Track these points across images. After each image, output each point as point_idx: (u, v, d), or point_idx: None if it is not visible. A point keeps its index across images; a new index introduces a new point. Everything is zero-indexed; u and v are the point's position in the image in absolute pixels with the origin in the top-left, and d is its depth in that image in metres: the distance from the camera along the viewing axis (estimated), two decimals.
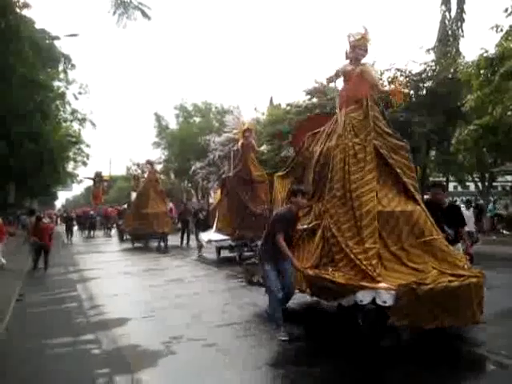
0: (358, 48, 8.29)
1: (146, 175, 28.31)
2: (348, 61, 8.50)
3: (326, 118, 9.41)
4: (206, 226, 19.60)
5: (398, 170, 7.99)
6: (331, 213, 7.71)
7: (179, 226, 25.90)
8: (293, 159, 9.82)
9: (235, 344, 7.21)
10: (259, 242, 16.38)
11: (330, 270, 7.23)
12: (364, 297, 6.64)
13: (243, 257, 16.18)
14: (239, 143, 18.46)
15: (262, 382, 5.89)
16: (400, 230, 7.43)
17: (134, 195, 28.91)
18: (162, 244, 23.45)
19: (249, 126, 19.11)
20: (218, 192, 20.98)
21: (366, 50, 8.38)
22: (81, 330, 8.42)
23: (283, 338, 7.09)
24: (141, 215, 24.90)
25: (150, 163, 28.07)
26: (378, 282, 6.69)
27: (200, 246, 19.29)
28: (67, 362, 6.81)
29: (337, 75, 8.70)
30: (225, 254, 17.82)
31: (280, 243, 7.16)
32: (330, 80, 9.06)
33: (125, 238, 28.53)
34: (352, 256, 7.10)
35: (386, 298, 6.47)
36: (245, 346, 7.11)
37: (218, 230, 17.86)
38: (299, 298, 8.89)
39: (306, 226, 8.14)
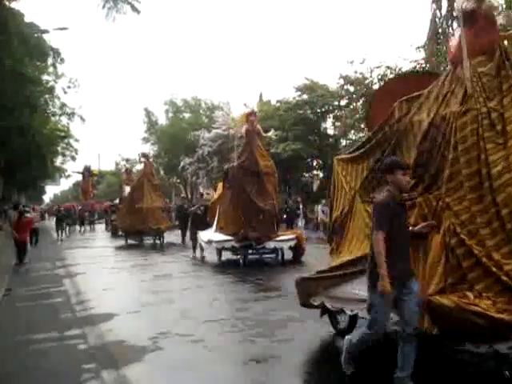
0: None
1: (140, 168, 27.10)
2: None
3: (426, 78, 7.25)
4: (204, 224, 17.63)
5: None
6: (456, 210, 5.43)
7: (176, 222, 24.61)
8: (373, 135, 6.91)
9: (222, 340, 7.22)
10: (269, 244, 14.99)
11: (472, 296, 4.98)
12: None
13: (247, 260, 15.10)
14: (243, 129, 16.28)
15: (248, 377, 5.87)
16: None
17: (127, 189, 27.99)
18: (158, 242, 23.01)
19: (253, 109, 16.99)
20: (220, 185, 18.65)
21: None
22: (67, 325, 8.37)
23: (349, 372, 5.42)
24: (135, 210, 23.59)
25: (145, 155, 26.90)
26: None
27: (195, 246, 17.38)
28: (53, 356, 6.76)
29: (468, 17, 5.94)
30: (227, 255, 15.94)
31: (377, 244, 4.89)
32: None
33: (120, 233, 26.95)
34: (502, 275, 5.00)
35: None
36: (232, 341, 7.13)
37: (220, 229, 15.77)
38: None
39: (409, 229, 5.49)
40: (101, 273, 14.79)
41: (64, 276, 14.13)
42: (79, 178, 49.61)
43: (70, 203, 48.38)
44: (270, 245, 15.03)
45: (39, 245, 22.14)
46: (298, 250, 15.37)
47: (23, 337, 7.71)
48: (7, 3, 19.70)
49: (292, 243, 15.21)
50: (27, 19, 26.44)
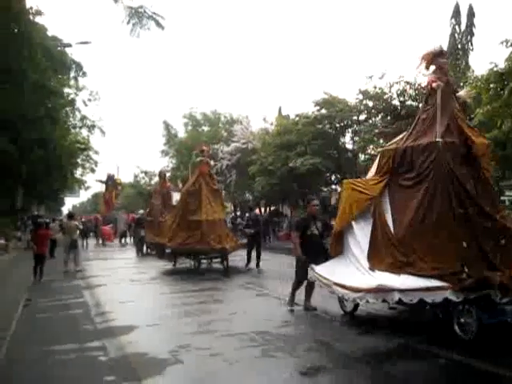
0: None
1: (196, 169, 19.31)
2: None
3: None
4: (323, 251, 9.83)
5: None
6: None
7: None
8: None
9: (241, 354, 7.17)
10: None
11: None
12: None
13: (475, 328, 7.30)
14: (430, 79, 9.37)
15: None
16: None
17: (175, 196, 23.75)
18: (222, 266, 17.36)
19: (441, 46, 9.84)
20: (371, 172, 10.03)
21: None
22: (88, 336, 8.42)
23: None
24: (190, 224, 17.68)
25: (202, 150, 19.83)
26: None
27: (310, 295, 9.94)
28: (73, 368, 6.80)
29: None
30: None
31: None
32: None
33: (147, 251, 24.02)
34: None
35: None
36: (250, 356, 7.07)
37: (404, 266, 8.01)
38: None
39: None
40: (120, 285, 14.85)
41: (84, 287, 14.22)
42: (98, 189, 49.54)
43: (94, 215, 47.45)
44: None
45: (58, 256, 22.16)
46: None
47: (43, 348, 7.76)
48: (32, 17, 20.09)
49: None
50: (50, 33, 27.01)
